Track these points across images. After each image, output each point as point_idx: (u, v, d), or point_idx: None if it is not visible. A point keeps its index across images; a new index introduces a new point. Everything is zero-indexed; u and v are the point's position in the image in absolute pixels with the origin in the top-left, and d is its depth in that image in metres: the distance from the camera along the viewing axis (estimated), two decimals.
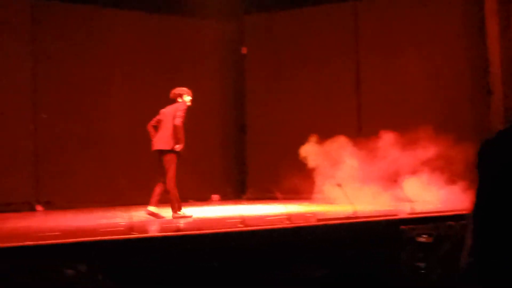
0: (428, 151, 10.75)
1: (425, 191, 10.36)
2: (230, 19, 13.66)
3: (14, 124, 11.49)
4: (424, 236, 7.69)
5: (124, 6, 12.58)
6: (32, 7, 11.78)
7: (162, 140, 9.56)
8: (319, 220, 7.84)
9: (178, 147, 9.50)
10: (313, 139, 11.19)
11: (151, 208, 9.21)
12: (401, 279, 6.81)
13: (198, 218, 9.46)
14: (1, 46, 11.30)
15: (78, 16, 12.26)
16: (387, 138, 10.91)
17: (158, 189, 9.36)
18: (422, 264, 7.39)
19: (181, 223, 8.52)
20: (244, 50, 13.74)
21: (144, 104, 12.76)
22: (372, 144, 10.99)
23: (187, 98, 9.79)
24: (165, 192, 9.34)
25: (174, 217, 9.09)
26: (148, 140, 12.70)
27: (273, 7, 13.32)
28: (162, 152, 9.53)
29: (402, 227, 7.87)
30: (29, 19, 11.75)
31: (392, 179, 10.08)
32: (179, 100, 9.75)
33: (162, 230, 7.44)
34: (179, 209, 9.29)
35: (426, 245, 7.54)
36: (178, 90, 9.86)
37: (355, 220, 7.95)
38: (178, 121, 9.56)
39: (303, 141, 11.28)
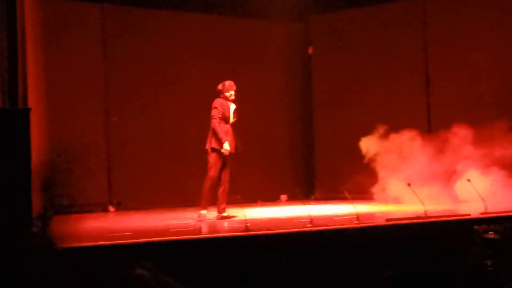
0: (502, 148, 10.54)
1: (498, 190, 10.14)
2: (296, 20, 13.65)
3: (87, 127, 11.74)
4: (492, 233, 7.54)
5: (193, 9, 12.72)
6: (102, 12, 12.03)
7: (207, 138, 9.45)
8: (388, 220, 7.77)
9: (224, 151, 9.29)
10: (380, 136, 11.12)
11: (220, 214, 9.25)
12: (469, 277, 6.69)
13: (267, 218, 9.50)
14: (73, 51, 11.56)
15: (148, 20, 12.45)
16: (457, 135, 10.74)
17: (218, 192, 9.32)
18: (489, 262, 7.25)
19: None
20: (310, 50, 13.72)
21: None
22: (442, 141, 10.84)
23: (227, 93, 9.44)
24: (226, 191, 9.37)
25: (198, 215, 9.02)
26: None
27: (339, 6, 13.25)
28: (206, 151, 9.40)
29: (476, 227, 7.73)
30: (99, 24, 12.00)
31: (462, 177, 9.89)
32: (221, 92, 9.47)
33: (231, 230, 7.49)
34: (204, 208, 9.14)
35: (495, 242, 7.39)
36: (221, 84, 9.53)
37: (425, 220, 7.84)
38: (213, 123, 9.32)
39: (371, 140, 11.22)
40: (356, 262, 6.73)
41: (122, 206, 11.81)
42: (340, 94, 12.95)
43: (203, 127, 12.71)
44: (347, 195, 8.76)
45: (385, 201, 10.66)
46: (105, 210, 11.71)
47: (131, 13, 12.33)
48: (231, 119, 9.47)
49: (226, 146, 9.27)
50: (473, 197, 8.93)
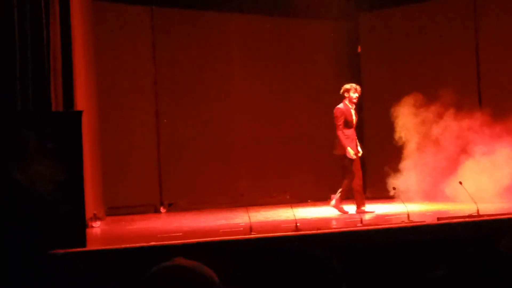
0: None
1: None
2: (345, 19, 13.58)
3: (138, 129, 11.88)
4: None
5: (240, 10, 12.76)
6: (152, 14, 12.16)
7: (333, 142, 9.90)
8: (439, 219, 7.69)
9: (350, 156, 9.66)
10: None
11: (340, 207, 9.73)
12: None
13: (317, 218, 9.48)
14: (123, 53, 11.72)
15: (197, 22, 12.53)
16: (509, 134, 10.59)
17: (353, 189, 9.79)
18: None
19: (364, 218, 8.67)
20: (359, 49, 13.64)
21: (263, 105, 12.94)
22: (495, 141, 10.69)
23: (354, 95, 9.77)
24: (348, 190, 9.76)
25: (357, 212, 9.52)
26: (266, 141, 12.89)
27: (388, 4, 13.13)
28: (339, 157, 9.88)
29: None
30: (149, 26, 12.13)
31: None
32: (346, 95, 9.81)
33: (280, 230, 7.50)
34: (362, 205, 9.68)
35: None
36: (346, 85, 9.90)
37: (477, 219, 7.73)
38: (337, 129, 9.69)
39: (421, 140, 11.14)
40: (407, 261, 6.67)
41: (173, 207, 11.92)
42: (389, 93, 12.82)
43: (254, 126, 12.80)
44: (398, 194, 8.69)
45: (439, 199, 10.53)
46: (157, 211, 11.84)
47: (179, 15, 12.44)
48: (354, 122, 9.83)
49: (350, 152, 9.66)
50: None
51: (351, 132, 9.77)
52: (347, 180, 9.72)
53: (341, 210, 9.71)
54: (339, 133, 9.68)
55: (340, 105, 9.80)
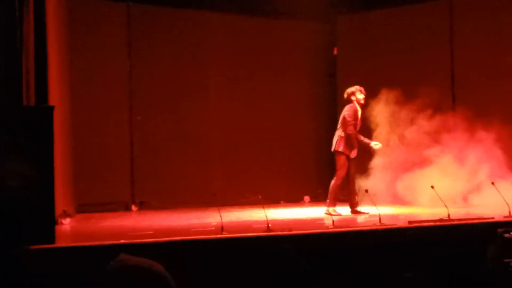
0: None
1: None
2: (322, 20, 13.60)
3: (111, 126, 11.79)
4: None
5: (219, 9, 12.72)
6: (127, 11, 12.07)
7: (334, 139, 9.91)
8: (410, 222, 7.72)
9: (352, 154, 9.80)
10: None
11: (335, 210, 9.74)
12: (489, 277, 6.60)
13: (289, 219, 9.48)
14: (98, 49, 11.62)
15: (174, 19, 12.46)
16: (481, 137, 10.68)
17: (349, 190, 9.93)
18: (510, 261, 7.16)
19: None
20: (335, 51, 13.66)
21: (239, 105, 12.91)
22: (467, 144, 10.79)
23: (360, 96, 9.88)
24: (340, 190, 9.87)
25: (328, 212, 9.63)
26: (240, 142, 12.87)
27: (365, 7, 13.18)
28: (334, 152, 9.94)
29: (500, 230, 7.65)
30: (125, 22, 12.04)
31: (487, 179, 9.79)
32: (352, 98, 9.88)
33: (252, 231, 7.48)
34: (333, 205, 9.72)
35: None
36: (349, 89, 10.00)
37: (448, 223, 7.77)
38: (349, 130, 9.76)
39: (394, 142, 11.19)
40: (378, 264, 6.69)
41: (145, 206, 11.85)
42: (365, 95, 12.83)
43: (227, 127, 12.77)
44: (369, 197, 8.70)
45: (412, 204, 10.60)
46: (128, 209, 11.76)
47: (156, 13, 12.36)
48: (358, 125, 9.98)
49: (378, 144, 10.02)
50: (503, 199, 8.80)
51: (356, 132, 9.94)
52: (335, 179, 9.86)
53: (359, 212, 9.75)
54: (354, 132, 9.81)
55: (351, 105, 9.89)
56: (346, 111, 9.86)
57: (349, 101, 9.94)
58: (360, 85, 10.91)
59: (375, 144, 9.95)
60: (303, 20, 13.29)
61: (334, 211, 9.69)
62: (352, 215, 9.66)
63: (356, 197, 9.88)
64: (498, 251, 6.85)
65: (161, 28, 12.31)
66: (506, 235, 7.22)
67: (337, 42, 13.70)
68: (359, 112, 9.92)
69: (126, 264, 2.11)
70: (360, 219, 9.15)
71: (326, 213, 9.68)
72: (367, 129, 10.91)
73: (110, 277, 2.09)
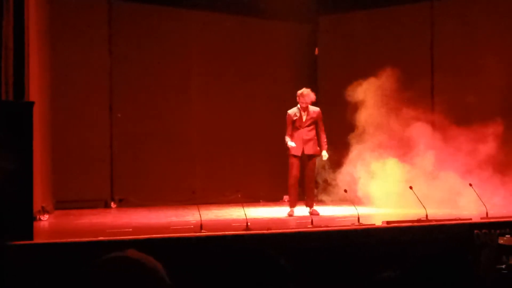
0: (505, 152, 10.59)
1: (498, 194, 10.14)
2: (304, 21, 13.64)
3: (91, 123, 11.74)
4: (508, 237, 7.54)
5: (200, 7, 12.70)
6: (109, 8, 12.02)
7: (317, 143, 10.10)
8: (388, 222, 7.76)
9: (293, 151, 9.97)
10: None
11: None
12: (480, 282, 6.67)
13: (268, 218, 9.51)
14: (79, 47, 11.56)
15: (155, 17, 12.44)
16: (460, 138, 10.77)
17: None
18: (503, 266, 7.24)
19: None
20: (316, 51, 13.70)
21: (219, 104, 12.91)
22: (446, 144, 10.89)
23: (303, 100, 10.04)
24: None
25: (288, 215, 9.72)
26: (221, 141, 12.87)
27: (347, 8, 13.23)
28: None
29: (476, 231, 7.73)
30: (106, 20, 12.00)
31: (465, 180, 9.87)
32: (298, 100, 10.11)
33: (231, 229, 7.50)
34: (291, 206, 9.90)
35: (508, 247, 7.39)
36: (298, 92, 10.18)
37: (425, 224, 7.83)
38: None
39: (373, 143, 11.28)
40: (355, 263, 6.72)
41: (124, 203, 11.81)
42: (345, 95, 12.90)
43: (208, 125, 12.76)
44: (349, 197, 8.74)
45: (390, 204, 10.65)
46: (107, 206, 11.73)
47: (138, 10, 12.33)
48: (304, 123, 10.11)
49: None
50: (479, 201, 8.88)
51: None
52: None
53: (312, 213, 9.75)
54: (287, 133, 10.05)
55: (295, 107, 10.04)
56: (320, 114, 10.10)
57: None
58: (341, 85, 10.99)
59: (324, 155, 9.95)
60: (285, 20, 13.31)
61: (291, 211, 9.80)
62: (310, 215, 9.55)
63: (313, 197, 9.98)
64: (492, 257, 6.92)
65: (142, 26, 12.29)
66: (501, 241, 7.29)
67: (318, 42, 13.74)
68: (303, 113, 9.99)
69: (117, 257, 2.11)
70: (338, 218, 9.18)
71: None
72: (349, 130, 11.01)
73: (99, 270, 2.09)
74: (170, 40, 12.48)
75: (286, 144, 9.94)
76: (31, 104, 6.73)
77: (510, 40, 11.64)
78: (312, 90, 13.51)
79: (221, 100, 12.91)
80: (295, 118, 9.97)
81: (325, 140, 9.96)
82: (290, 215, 9.76)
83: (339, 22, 13.42)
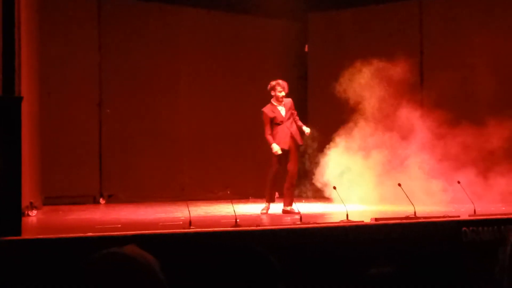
0: (495, 150, 10.66)
1: (488, 190, 10.21)
2: (294, 18, 13.64)
3: (80, 119, 11.71)
4: (490, 238, 7.57)
5: (190, 4, 12.68)
6: (99, 3, 11.99)
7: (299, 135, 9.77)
8: (377, 219, 7.78)
9: (274, 148, 9.58)
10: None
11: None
12: (467, 282, 6.70)
13: (257, 214, 9.51)
14: (68, 42, 11.53)
15: (145, 13, 12.41)
16: (449, 134, 10.83)
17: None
18: (489, 267, 7.24)
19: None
20: (306, 48, 13.72)
21: (209, 100, 12.90)
22: (435, 140, 10.94)
23: (280, 94, 9.61)
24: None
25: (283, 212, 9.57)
26: (210, 137, 12.86)
27: (337, 5, 13.24)
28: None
29: (464, 228, 7.76)
30: (96, 15, 11.96)
31: (455, 177, 9.90)
32: (272, 93, 9.68)
33: (220, 225, 7.49)
34: (267, 201, 9.68)
35: (492, 247, 7.40)
36: (270, 83, 9.74)
37: (414, 221, 7.86)
38: (264, 130, 9.62)
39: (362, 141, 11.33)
40: (344, 260, 6.74)
41: (113, 199, 11.79)
42: (335, 92, 12.92)
43: (197, 122, 12.75)
44: (338, 194, 8.76)
45: (379, 201, 10.69)
46: (96, 202, 11.70)
47: (127, 6, 12.30)
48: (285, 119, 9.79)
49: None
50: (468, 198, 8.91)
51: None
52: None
53: (287, 212, 9.62)
54: (265, 131, 9.71)
55: (269, 104, 9.75)
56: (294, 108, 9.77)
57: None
58: (330, 82, 10.96)
59: (306, 130, 9.60)
60: (275, 17, 13.32)
61: (266, 208, 9.64)
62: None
63: (289, 194, 9.75)
64: (475, 257, 6.91)
65: (132, 22, 12.26)
66: (484, 239, 7.28)
67: (308, 39, 13.74)
68: (279, 107, 9.64)
69: (112, 253, 2.11)
70: (325, 216, 9.20)
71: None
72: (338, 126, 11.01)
73: (92, 266, 2.08)
74: (159, 37, 12.46)
75: (270, 146, 9.55)
76: (20, 99, 6.70)
77: (497, 37, 11.69)
78: (302, 87, 13.60)
79: (210, 97, 12.90)
80: (273, 115, 9.59)
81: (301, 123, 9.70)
82: (265, 212, 9.58)
83: (329, 19, 13.45)
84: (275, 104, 9.65)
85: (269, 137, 9.57)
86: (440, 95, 11.72)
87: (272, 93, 9.66)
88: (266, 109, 9.64)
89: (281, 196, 10.04)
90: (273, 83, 9.68)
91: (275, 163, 9.62)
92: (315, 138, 11.30)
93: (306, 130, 9.59)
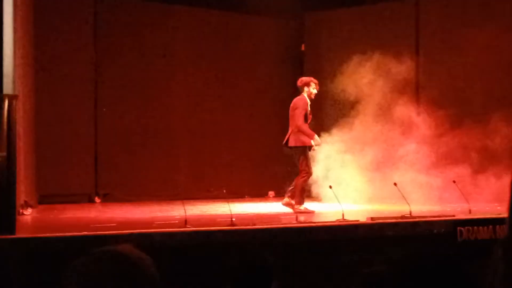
0: (491, 149, 10.67)
1: (483, 190, 10.21)
2: (291, 17, 13.64)
3: (76, 117, 11.69)
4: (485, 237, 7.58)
5: (186, 3, 12.67)
6: (94, 2, 11.96)
7: (289, 135, 9.49)
8: (373, 219, 7.78)
9: (313, 148, 9.43)
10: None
11: (287, 200, 9.42)
12: (462, 281, 6.68)
13: (253, 213, 9.50)
14: (65, 40, 11.50)
15: (141, 12, 12.39)
16: (445, 133, 10.84)
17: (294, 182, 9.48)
18: (481, 267, 7.24)
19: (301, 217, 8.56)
20: (303, 47, 13.72)
21: (205, 99, 12.88)
22: (431, 142, 10.94)
23: (314, 91, 9.48)
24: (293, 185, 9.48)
25: (295, 211, 9.14)
26: (206, 136, 12.85)
27: (333, 4, 13.24)
28: (291, 148, 9.53)
29: (459, 228, 7.76)
30: (92, 14, 11.94)
31: (451, 177, 9.91)
32: (305, 89, 9.48)
33: (215, 224, 7.49)
34: (300, 203, 9.33)
35: (487, 246, 7.39)
36: (305, 78, 9.59)
37: (410, 220, 7.85)
38: (299, 122, 9.29)
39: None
40: (340, 258, 6.74)
41: (108, 198, 11.77)
42: (331, 91, 12.93)
43: (193, 121, 12.74)
44: (334, 193, 8.76)
45: (376, 200, 10.69)
46: (91, 201, 11.67)
47: (124, 3, 12.28)
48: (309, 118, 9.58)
49: (317, 139, 9.47)
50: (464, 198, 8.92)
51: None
52: (301, 176, 9.42)
53: (290, 204, 9.47)
54: (304, 124, 9.35)
55: (301, 97, 9.51)
56: (295, 104, 9.46)
57: (299, 91, 9.57)
58: (327, 81, 10.93)
59: (316, 144, 9.48)
60: (271, 16, 13.31)
61: (306, 209, 9.42)
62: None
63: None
64: (468, 257, 6.90)
65: (128, 20, 12.23)
66: (478, 239, 7.28)
67: (304, 38, 13.74)
68: (309, 105, 9.53)
69: (108, 251, 2.10)
70: (326, 214, 9.18)
71: (296, 211, 9.16)
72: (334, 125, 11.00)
73: (86, 264, 2.07)
74: (155, 35, 12.44)
75: (311, 137, 9.29)
76: (14, 97, 6.68)
77: (494, 33, 11.68)
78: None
79: (206, 96, 12.88)
80: (307, 110, 9.39)
81: None
82: (312, 211, 9.37)
83: (325, 18, 13.44)
84: (308, 101, 9.49)
85: (309, 130, 9.36)
86: (436, 94, 11.74)
87: (306, 88, 9.48)
88: (302, 102, 9.42)
89: (280, 195, 10.01)
90: (306, 79, 9.56)
91: (310, 168, 9.44)
92: None
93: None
